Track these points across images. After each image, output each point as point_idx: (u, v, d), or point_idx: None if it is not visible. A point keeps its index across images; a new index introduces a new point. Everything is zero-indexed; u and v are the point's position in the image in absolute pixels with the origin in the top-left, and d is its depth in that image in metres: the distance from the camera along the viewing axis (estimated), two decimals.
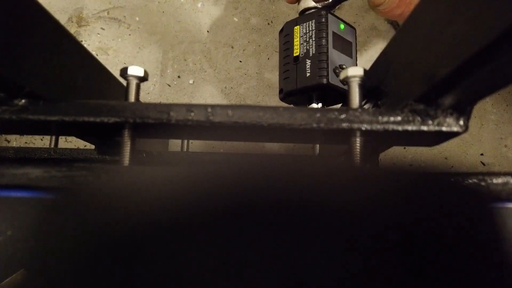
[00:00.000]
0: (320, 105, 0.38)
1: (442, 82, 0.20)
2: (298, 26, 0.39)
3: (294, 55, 0.39)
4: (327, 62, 0.37)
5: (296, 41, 0.39)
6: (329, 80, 0.36)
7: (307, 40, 0.38)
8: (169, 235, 0.11)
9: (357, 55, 0.41)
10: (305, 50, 0.38)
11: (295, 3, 0.42)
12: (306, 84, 0.37)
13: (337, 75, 0.36)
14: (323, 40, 0.37)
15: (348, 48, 0.39)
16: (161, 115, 0.23)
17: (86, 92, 0.30)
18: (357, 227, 0.11)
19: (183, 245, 0.11)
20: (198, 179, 0.12)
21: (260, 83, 0.63)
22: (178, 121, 0.23)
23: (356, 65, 0.38)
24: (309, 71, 0.37)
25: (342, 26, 0.39)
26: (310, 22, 0.38)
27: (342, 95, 0.38)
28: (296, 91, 0.38)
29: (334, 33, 0.38)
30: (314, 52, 0.37)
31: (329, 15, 0.38)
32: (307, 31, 0.38)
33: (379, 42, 0.64)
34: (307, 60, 0.37)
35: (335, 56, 0.37)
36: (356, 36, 0.40)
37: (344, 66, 0.37)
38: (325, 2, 0.40)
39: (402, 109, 0.23)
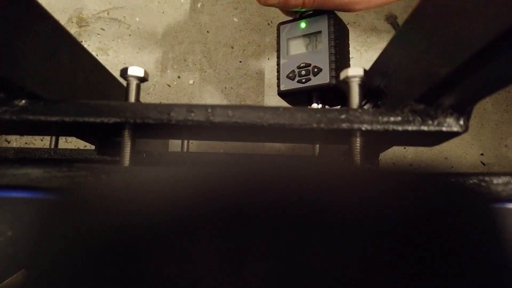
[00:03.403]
0: (319, 105, 0.38)
1: (442, 82, 0.20)
2: None
3: None
4: (278, 72, 0.39)
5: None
6: (281, 88, 0.38)
7: None
8: (169, 235, 0.11)
9: (351, 49, 0.40)
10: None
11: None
12: None
13: (293, 78, 0.37)
14: (276, 53, 0.40)
15: (319, 39, 0.38)
16: (162, 115, 0.23)
17: (86, 92, 0.30)
18: (357, 227, 0.11)
19: (183, 245, 0.11)
20: (198, 179, 0.12)
21: (260, 83, 0.63)
22: (179, 121, 0.23)
23: (333, 51, 0.36)
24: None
25: (302, 24, 0.38)
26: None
27: (314, 91, 0.37)
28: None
29: (290, 39, 0.39)
30: None
31: (281, 26, 0.39)
32: None
33: (379, 42, 0.64)
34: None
35: (295, 59, 0.38)
36: (329, 21, 0.37)
37: (302, 64, 0.37)
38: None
39: (402, 109, 0.23)
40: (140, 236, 0.11)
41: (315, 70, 0.36)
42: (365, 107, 0.31)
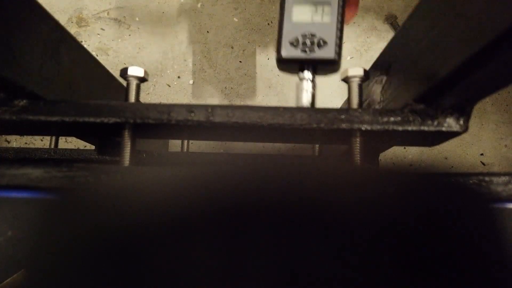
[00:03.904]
0: (307, 74, 0.37)
1: (442, 82, 0.20)
2: None
3: None
4: (280, 37, 0.37)
5: None
6: (282, 54, 0.36)
7: None
8: (169, 235, 0.11)
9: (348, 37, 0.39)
10: None
11: None
12: None
13: (296, 45, 0.36)
14: (279, 16, 0.38)
15: (327, 11, 0.37)
16: (162, 115, 0.23)
17: (86, 92, 0.30)
18: (358, 227, 0.11)
19: (183, 245, 0.11)
20: (198, 179, 0.12)
21: (260, 83, 0.63)
22: (179, 121, 0.23)
23: (339, 26, 0.36)
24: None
25: None
26: None
27: (315, 63, 0.37)
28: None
29: (295, 5, 0.38)
30: None
31: None
32: None
33: (379, 42, 0.64)
34: None
35: (299, 27, 0.37)
36: None
37: (307, 34, 0.36)
38: None
39: (402, 109, 0.23)
40: (140, 236, 0.11)
41: (320, 42, 0.36)
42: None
